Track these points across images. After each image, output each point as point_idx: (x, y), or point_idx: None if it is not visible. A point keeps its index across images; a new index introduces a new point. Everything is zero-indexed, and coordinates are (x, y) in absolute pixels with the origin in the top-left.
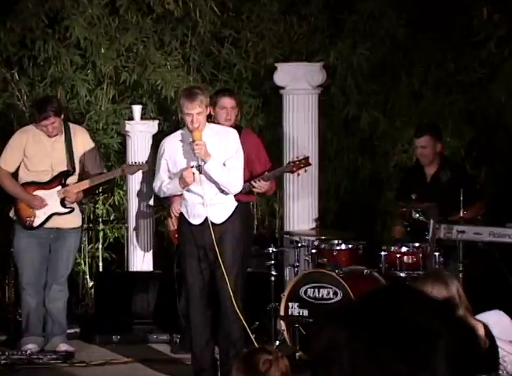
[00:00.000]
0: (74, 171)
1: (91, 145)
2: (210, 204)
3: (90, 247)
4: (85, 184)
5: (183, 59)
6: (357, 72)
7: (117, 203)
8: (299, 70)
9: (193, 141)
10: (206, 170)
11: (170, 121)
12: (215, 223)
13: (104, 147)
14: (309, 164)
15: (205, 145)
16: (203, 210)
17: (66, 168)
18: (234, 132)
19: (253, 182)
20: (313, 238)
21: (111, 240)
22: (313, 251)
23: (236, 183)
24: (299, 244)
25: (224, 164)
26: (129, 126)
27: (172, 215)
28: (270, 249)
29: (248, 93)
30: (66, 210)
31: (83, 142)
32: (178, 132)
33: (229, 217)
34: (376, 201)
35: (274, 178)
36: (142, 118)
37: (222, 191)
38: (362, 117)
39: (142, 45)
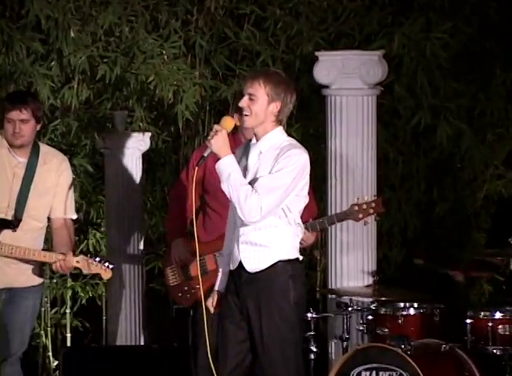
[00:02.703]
0: (17, 223)
1: (68, 182)
2: (246, 242)
3: (54, 312)
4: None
5: (186, 47)
6: (432, 65)
7: (92, 249)
8: (349, 61)
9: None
10: (217, 170)
11: (168, 132)
12: (248, 272)
13: (74, 171)
14: (382, 211)
15: (223, 136)
16: (237, 250)
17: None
18: (297, 152)
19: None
20: (369, 299)
21: (83, 301)
22: (369, 317)
23: (251, 208)
24: (349, 308)
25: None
26: (109, 141)
27: (174, 260)
28: (309, 315)
29: None
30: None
31: (58, 176)
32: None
33: (274, 270)
34: (459, 247)
35: (322, 229)
36: (127, 129)
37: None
38: (439, 128)
39: (127, 26)
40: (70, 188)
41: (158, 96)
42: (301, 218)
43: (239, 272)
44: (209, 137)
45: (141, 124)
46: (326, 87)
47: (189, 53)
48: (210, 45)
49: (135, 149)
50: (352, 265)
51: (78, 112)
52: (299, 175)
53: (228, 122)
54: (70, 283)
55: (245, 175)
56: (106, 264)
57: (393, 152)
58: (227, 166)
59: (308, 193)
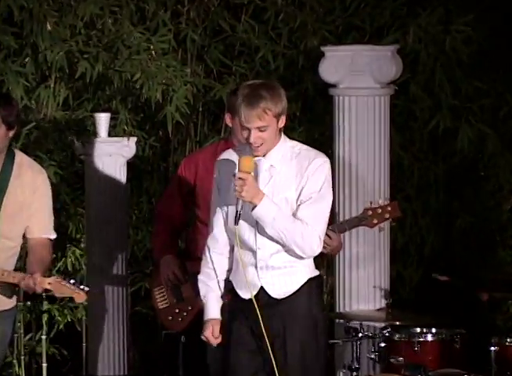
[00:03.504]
0: None
1: (46, 199)
2: (266, 266)
3: (28, 338)
4: None
5: (176, 41)
6: (451, 61)
7: (70, 268)
8: (359, 57)
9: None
10: (256, 218)
11: (156, 137)
12: (273, 298)
13: (50, 181)
14: (399, 215)
15: (251, 181)
16: (256, 276)
17: None
18: (323, 161)
19: None
20: (382, 324)
21: (61, 327)
22: (382, 344)
23: (308, 244)
24: (359, 334)
25: (295, 210)
26: (90, 146)
27: (164, 281)
28: None
29: None
30: None
31: (33, 192)
32: (238, 148)
33: (298, 290)
34: (482, 266)
35: (339, 234)
36: (110, 134)
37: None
38: (460, 131)
39: (110, 18)
40: (47, 205)
41: (145, 96)
42: None
43: (256, 298)
44: (237, 188)
45: (125, 127)
46: (333, 86)
47: (180, 48)
48: (204, 39)
49: (118, 156)
50: (363, 286)
51: (55, 114)
52: (330, 183)
53: (248, 163)
54: (46, 306)
55: None
56: (82, 286)
57: (408, 158)
58: (267, 211)
59: None
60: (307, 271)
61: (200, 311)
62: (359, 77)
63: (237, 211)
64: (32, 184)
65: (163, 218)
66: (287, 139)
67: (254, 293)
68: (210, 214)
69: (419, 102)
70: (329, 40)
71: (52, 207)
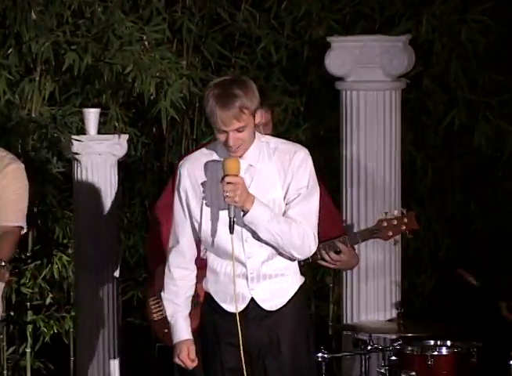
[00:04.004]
0: None
1: (15, 186)
2: (257, 276)
3: (11, 351)
4: None
5: (171, 31)
6: (468, 52)
7: (57, 275)
8: (368, 48)
9: (224, 176)
10: (248, 224)
11: (149, 135)
12: (265, 309)
13: (35, 180)
14: (416, 227)
15: (242, 184)
16: (246, 287)
17: None
18: (304, 153)
19: (323, 252)
20: (392, 336)
21: (47, 339)
22: (393, 358)
23: (306, 243)
24: (369, 347)
25: (284, 210)
26: (79, 144)
27: (158, 290)
28: (319, 355)
29: (282, 88)
30: None
31: (8, 181)
32: (206, 150)
33: (289, 301)
34: (502, 273)
35: (351, 247)
36: (100, 131)
37: (280, 254)
38: (477, 128)
39: (100, 6)
40: (17, 193)
41: (137, 91)
42: (325, 232)
43: (245, 312)
44: (228, 194)
45: (116, 124)
46: (341, 79)
47: (175, 39)
48: (201, 28)
49: (109, 154)
50: (372, 295)
51: (41, 110)
52: (315, 176)
53: (234, 165)
54: (30, 316)
55: None
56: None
57: (421, 158)
58: (261, 213)
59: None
60: (297, 278)
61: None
62: (368, 69)
63: (231, 219)
64: (8, 180)
65: (158, 223)
66: (259, 135)
67: (244, 306)
68: (173, 226)
69: (432, 96)
70: (335, 30)
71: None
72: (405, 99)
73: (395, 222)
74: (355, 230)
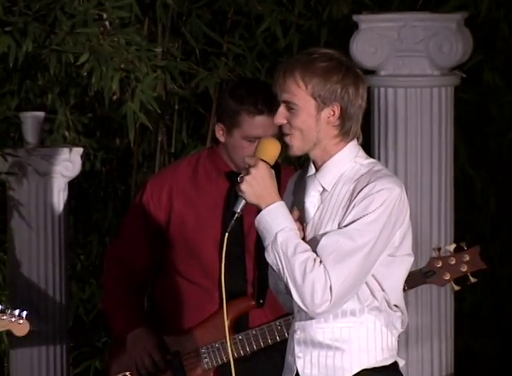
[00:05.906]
0: None
1: None
2: (303, 338)
3: None
4: None
5: (141, 7)
6: None
7: None
8: (409, 31)
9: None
10: (256, 226)
11: (110, 148)
12: None
13: None
14: (484, 267)
15: (264, 172)
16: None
17: None
18: (385, 185)
19: None
20: None
21: None
22: None
23: (315, 294)
24: None
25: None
26: (14, 161)
27: (137, 368)
28: None
29: None
30: None
31: None
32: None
33: None
34: None
35: None
36: (44, 143)
37: None
38: None
39: None
40: None
41: (95, 88)
42: None
43: None
44: (238, 179)
45: (67, 133)
46: (372, 72)
47: (146, 18)
48: (181, 3)
49: (56, 174)
50: (415, 363)
51: None
52: (389, 223)
53: (269, 146)
54: None
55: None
56: (17, 312)
57: (481, 179)
58: (272, 221)
59: None
60: (368, 356)
61: None
62: (409, 59)
63: (235, 212)
64: None
65: (121, 267)
66: (358, 152)
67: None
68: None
69: (496, 96)
70: (365, 5)
71: None
72: (459, 100)
73: (453, 261)
74: None
